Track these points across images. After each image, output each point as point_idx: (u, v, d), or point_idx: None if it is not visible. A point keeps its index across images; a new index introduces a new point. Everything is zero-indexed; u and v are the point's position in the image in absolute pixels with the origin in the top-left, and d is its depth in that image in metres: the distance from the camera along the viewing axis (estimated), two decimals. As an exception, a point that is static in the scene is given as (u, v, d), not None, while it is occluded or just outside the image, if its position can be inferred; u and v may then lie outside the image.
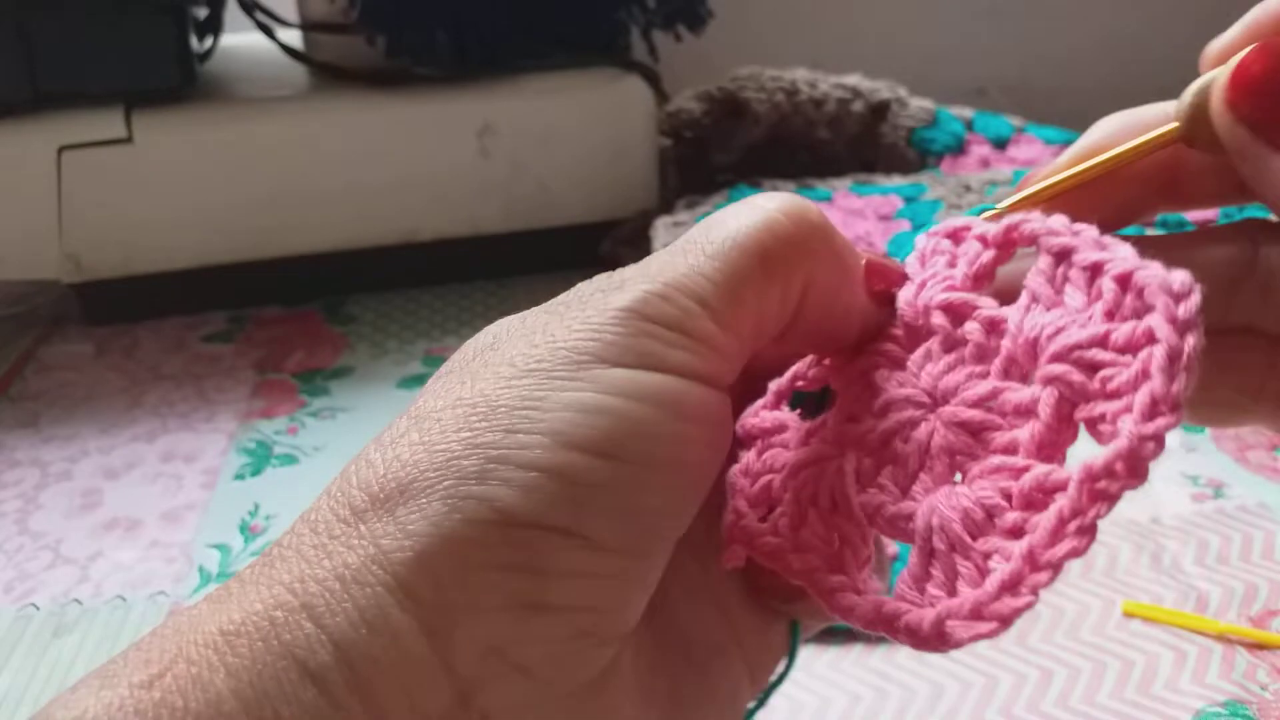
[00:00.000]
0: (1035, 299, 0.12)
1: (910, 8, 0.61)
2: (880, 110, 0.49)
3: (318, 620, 0.10)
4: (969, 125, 0.49)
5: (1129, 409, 0.10)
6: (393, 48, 0.43)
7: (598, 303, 0.12)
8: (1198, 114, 0.12)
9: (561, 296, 0.13)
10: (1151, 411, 0.10)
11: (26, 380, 0.41)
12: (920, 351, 0.12)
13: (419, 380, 0.41)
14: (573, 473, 0.10)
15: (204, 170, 0.43)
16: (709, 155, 0.49)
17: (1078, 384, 0.11)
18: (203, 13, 0.46)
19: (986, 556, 0.11)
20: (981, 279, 0.12)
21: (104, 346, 0.43)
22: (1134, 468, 0.10)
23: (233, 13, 0.47)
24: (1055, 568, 0.10)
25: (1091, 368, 0.11)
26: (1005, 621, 0.10)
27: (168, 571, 0.30)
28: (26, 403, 0.40)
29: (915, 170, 0.48)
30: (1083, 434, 0.11)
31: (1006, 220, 0.12)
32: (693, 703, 0.12)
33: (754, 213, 0.12)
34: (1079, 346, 0.11)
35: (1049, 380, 0.11)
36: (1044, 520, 0.10)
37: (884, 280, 0.13)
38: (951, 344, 0.12)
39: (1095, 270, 0.11)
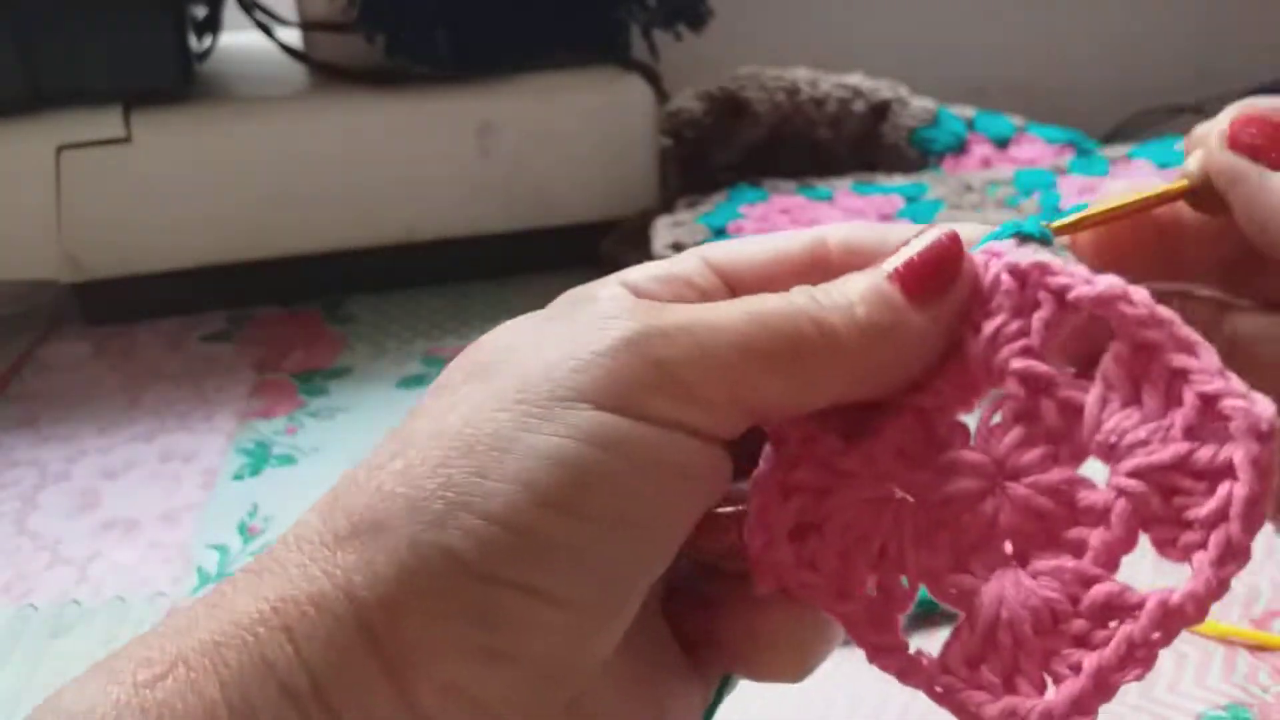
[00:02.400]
0: (1110, 389, 0.11)
1: (911, 7, 0.61)
2: (881, 110, 0.49)
3: (295, 644, 0.10)
4: (970, 125, 0.49)
5: (1204, 545, 0.10)
6: (392, 47, 0.43)
7: (597, 329, 0.11)
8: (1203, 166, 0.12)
9: (575, 294, 0.12)
10: (1226, 558, 0.10)
11: (25, 380, 0.41)
12: (988, 413, 0.12)
13: (418, 380, 0.40)
14: (533, 528, 0.10)
15: (203, 170, 0.43)
16: (709, 155, 0.49)
17: (1155, 506, 0.11)
18: (201, 12, 0.46)
19: (1048, 657, 0.11)
20: (1053, 343, 0.12)
21: (102, 346, 0.43)
22: (1203, 610, 0.10)
23: (232, 12, 0.47)
24: (1116, 689, 0.10)
25: (1170, 490, 0.11)
26: None
27: (166, 572, 0.30)
28: (25, 402, 0.40)
29: (916, 170, 0.48)
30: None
31: (1088, 289, 0.11)
32: (670, 711, 0.12)
33: (782, 301, 0.11)
34: (1159, 468, 0.11)
35: (1125, 493, 0.11)
36: (1115, 642, 0.11)
37: (937, 277, 0.12)
38: (1023, 415, 0.12)
39: (1179, 376, 0.11)
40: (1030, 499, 0.11)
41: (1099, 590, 0.11)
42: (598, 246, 0.48)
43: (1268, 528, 0.11)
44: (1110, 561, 0.11)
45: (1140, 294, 0.11)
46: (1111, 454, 0.11)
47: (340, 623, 0.10)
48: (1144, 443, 0.11)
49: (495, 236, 0.46)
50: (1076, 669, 0.11)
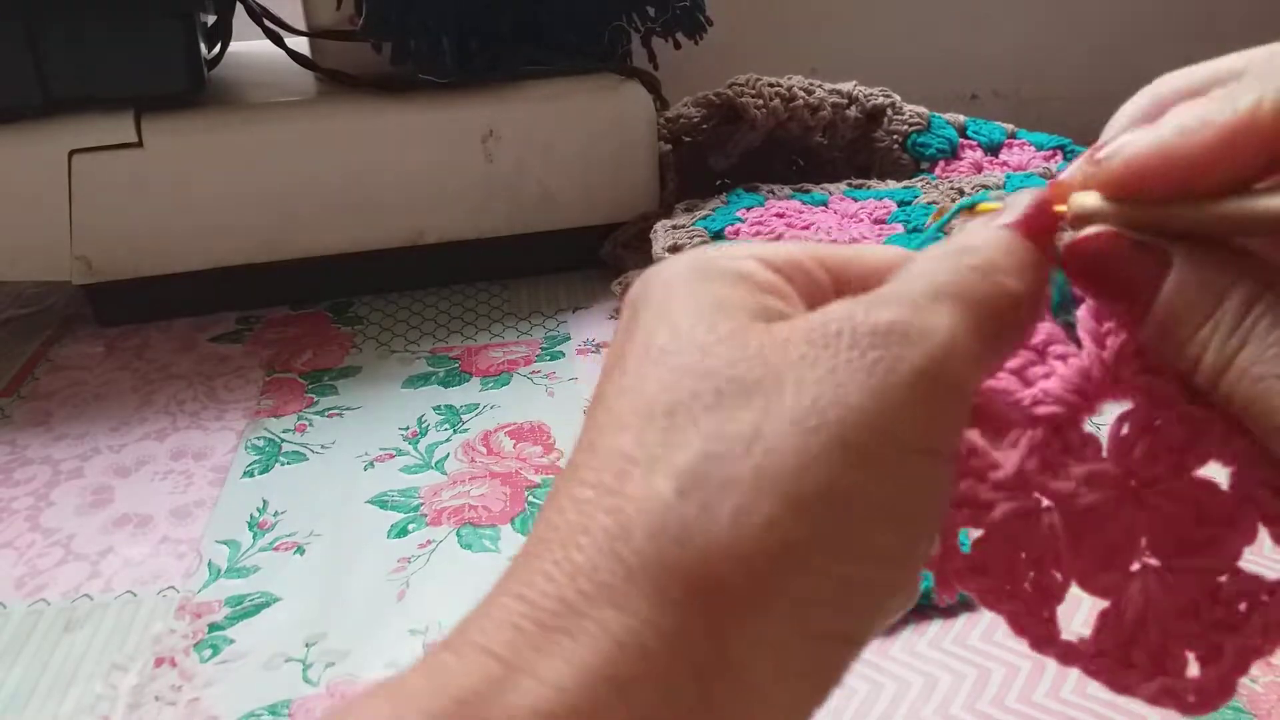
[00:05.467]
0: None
1: (905, 16, 0.62)
2: (875, 116, 0.50)
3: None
4: (962, 130, 0.50)
5: None
6: (397, 55, 0.43)
7: (887, 363, 0.11)
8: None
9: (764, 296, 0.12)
10: None
11: (38, 380, 0.42)
12: (1117, 426, 0.13)
13: (424, 379, 0.41)
14: (877, 586, 0.11)
15: (213, 174, 0.44)
16: (707, 160, 0.50)
17: (1274, 507, 0.12)
18: (212, 20, 0.47)
19: (1191, 641, 0.12)
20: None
21: (115, 347, 0.44)
22: None
23: (241, 20, 0.47)
24: (1250, 667, 0.12)
25: None
26: (1214, 707, 0.12)
27: (177, 567, 0.30)
28: (38, 402, 0.40)
29: (909, 175, 0.49)
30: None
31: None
32: None
33: (960, 271, 0.12)
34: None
35: (1248, 497, 0.12)
36: (1253, 623, 0.12)
37: (1043, 223, 0.12)
38: (1150, 428, 0.13)
39: None
40: (1163, 506, 0.13)
41: (1231, 581, 0.12)
42: (598, 249, 0.48)
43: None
44: (1236, 553, 0.12)
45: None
46: (1236, 458, 0.12)
47: (680, 693, 0.10)
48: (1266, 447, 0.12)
49: (499, 240, 0.47)
50: (1217, 651, 0.12)
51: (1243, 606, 0.12)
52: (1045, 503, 0.13)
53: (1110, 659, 0.12)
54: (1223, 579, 0.12)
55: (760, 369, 0.11)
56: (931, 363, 0.11)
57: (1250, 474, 0.12)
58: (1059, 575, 0.13)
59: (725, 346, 0.11)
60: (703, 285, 0.12)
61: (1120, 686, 0.12)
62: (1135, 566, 0.13)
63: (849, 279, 0.13)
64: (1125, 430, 0.13)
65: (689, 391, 0.11)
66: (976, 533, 0.13)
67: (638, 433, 0.11)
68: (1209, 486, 0.12)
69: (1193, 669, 0.12)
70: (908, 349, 0.11)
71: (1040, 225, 0.13)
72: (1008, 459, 0.13)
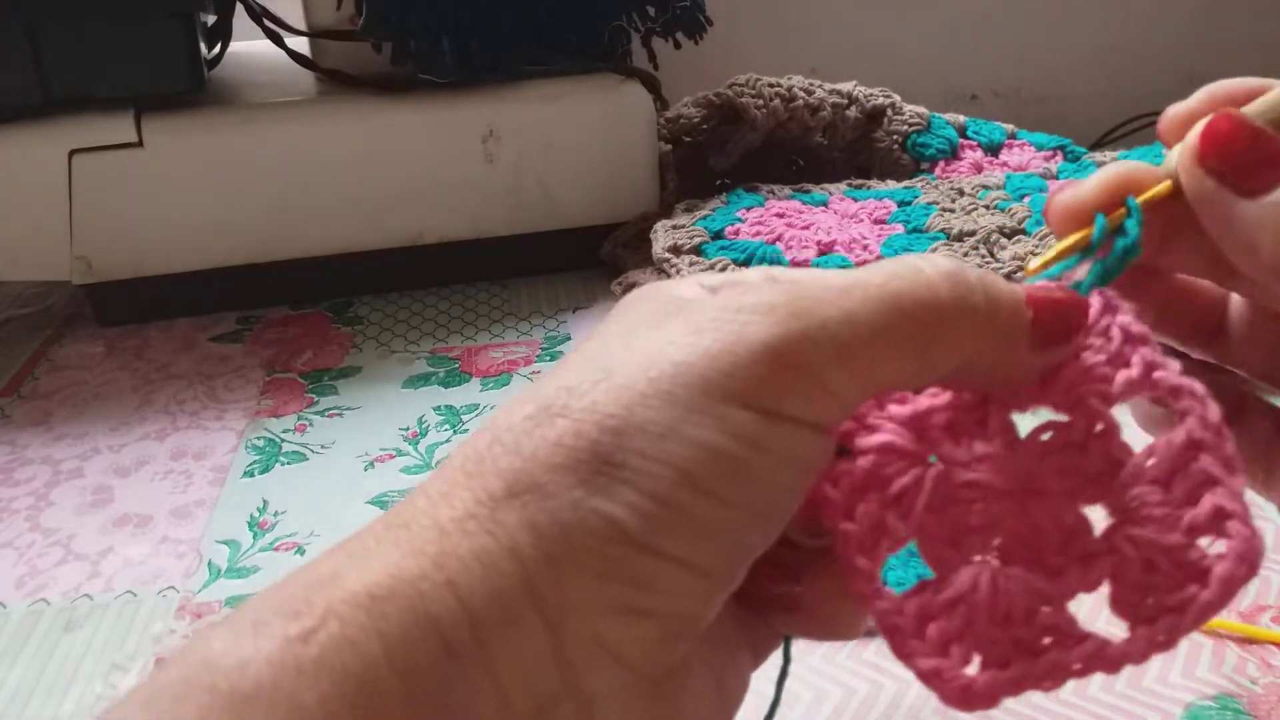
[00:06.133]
0: (1151, 458, 0.13)
1: (905, 16, 0.62)
2: (875, 116, 0.50)
3: (461, 599, 0.10)
4: (962, 131, 0.50)
5: (1152, 621, 0.12)
6: (397, 55, 0.43)
7: (736, 330, 0.11)
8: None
9: (695, 289, 0.12)
10: (1161, 643, 0.12)
11: (38, 379, 0.42)
12: (1041, 429, 0.13)
13: (424, 380, 0.41)
14: (691, 509, 0.11)
15: (213, 174, 0.44)
16: (707, 160, 0.50)
17: (1134, 573, 0.12)
18: (212, 20, 0.47)
19: (987, 645, 0.12)
20: (1123, 399, 0.13)
21: (115, 346, 0.44)
22: (1119, 668, 0.12)
23: (241, 20, 0.47)
24: (1016, 695, 0.12)
25: (1151, 567, 0.13)
26: (971, 709, 0.12)
27: (177, 567, 0.31)
28: (38, 401, 0.40)
29: (909, 175, 0.49)
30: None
31: (1173, 377, 0.13)
32: (727, 678, 0.13)
33: (918, 279, 0.12)
34: (1155, 547, 0.12)
35: (1117, 550, 0.13)
36: (1045, 660, 0.12)
37: (1062, 328, 0.13)
38: (1070, 447, 0.13)
39: (1210, 482, 0.12)
40: (1040, 520, 0.13)
41: (1056, 614, 0.12)
42: (599, 249, 0.48)
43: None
44: (1070, 593, 0.13)
45: (1213, 407, 0.13)
46: (1124, 514, 0.13)
47: (505, 578, 0.11)
48: (1155, 521, 0.12)
49: (499, 240, 0.47)
50: (1004, 665, 0.12)
51: (1046, 641, 0.12)
52: (930, 462, 0.13)
53: (908, 620, 0.12)
54: (1046, 609, 0.12)
55: (631, 326, 0.12)
56: (785, 339, 0.11)
57: (1123, 531, 0.12)
58: (903, 527, 0.13)
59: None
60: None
61: (902, 649, 0.12)
62: (976, 558, 0.13)
63: None
64: (1047, 437, 0.13)
65: (581, 364, 0.12)
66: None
67: (533, 393, 0.12)
68: (1084, 523, 0.13)
69: (972, 669, 0.12)
70: (764, 324, 0.12)
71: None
72: (918, 401, 0.13)
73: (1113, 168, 0.14)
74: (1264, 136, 0.13)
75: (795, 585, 0.13)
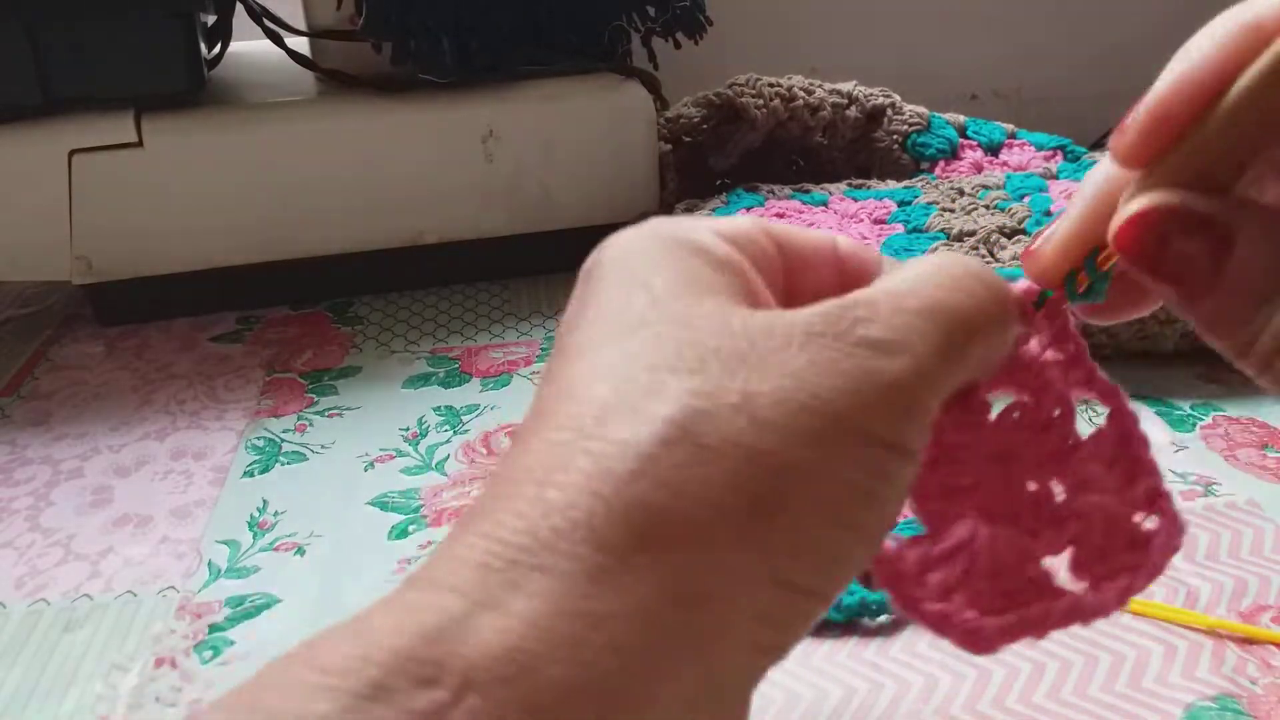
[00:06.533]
0: (1098, 450, 0.15)
1: (905, 16, 0.62)
2: (875, 116, 0.50)
3: (624, 664, 0.10)
4: (962, 130, 0.50)
5: (1112, 579, 0.14)
6: (397, 55, 0.43)
7: (861, 368, 0.12)
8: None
9: (800, 324, 0.12)
10: (1113, 601, 0.14)
11: (38, 379, 0.42)
12: (1011, 407, 0.15)
13: (424, 379, 0.41)
14: (833, 545, 0.11)
15: (213, 174, 0.44)
16: (707, 160, 0.50)
17: (1095, 536, 0.14)
18: (212, 20, 0.47)
19: (984, 596, 0.13)
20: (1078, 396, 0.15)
21: (114, 346, 0.44)
22: (1093, 619, 0.14)
23: (241, 20, 0.47)
24: (1017, 639, 0.13)
25: (1109, 532, 0.14)
26: (978, 650, 0.13)
27: (177, 567, 0.31)
28: (38, 401, 0.40)
29: (909, 175, 0.49)
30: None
31: (1105, 382, 0.15)
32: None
33: (972, 292, 0.13)
34: (1113, 516, 0.14)
35: (1081, 516, 0.14)
36: (1036, 608, 0.13)
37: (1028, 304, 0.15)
38: (1035, 425, 0.15)
39: (1140, 467, 0.14)
40: (1016, 482, 0.14)
41: (1036, 568, 0.14)
42: (599, 250, 0.48)
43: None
44: (1045, 553, 0.14)
45: (1132, 409, 0.15)
46: (1082, 485, 0.14)
47: (668, 635, 0.10)
48: (1110, 492, 0.14)
49: (499, 240, 0.47)
50: (1001, 611, 0.13)
51: (1028, 595, 0.13)
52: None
53: (910, 569, 0.13)
54: (1028, 564, 0.14)
55: (745, 347, 0.12)
56: (903, 377, 0.12)
57: (1084, 499, 0.14)
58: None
59: (707, 321, 0.12)
60: (671, 257, 0.13)
61: (906, 599, 0.13)
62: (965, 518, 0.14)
63: (791, 253, 0.14)
64: (1016, 416, 0.15)
65: (672, 354, 0.11)
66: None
67: (616, 385, 0.11)
68: (1050, 492, 0.14)
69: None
70: (886, 362, 0.12)
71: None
72: None
73: (1073, 218, 0.14)
74: (1182, 243, 0.12)
75: None
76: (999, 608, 0.13)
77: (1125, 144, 0.13)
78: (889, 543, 0.13)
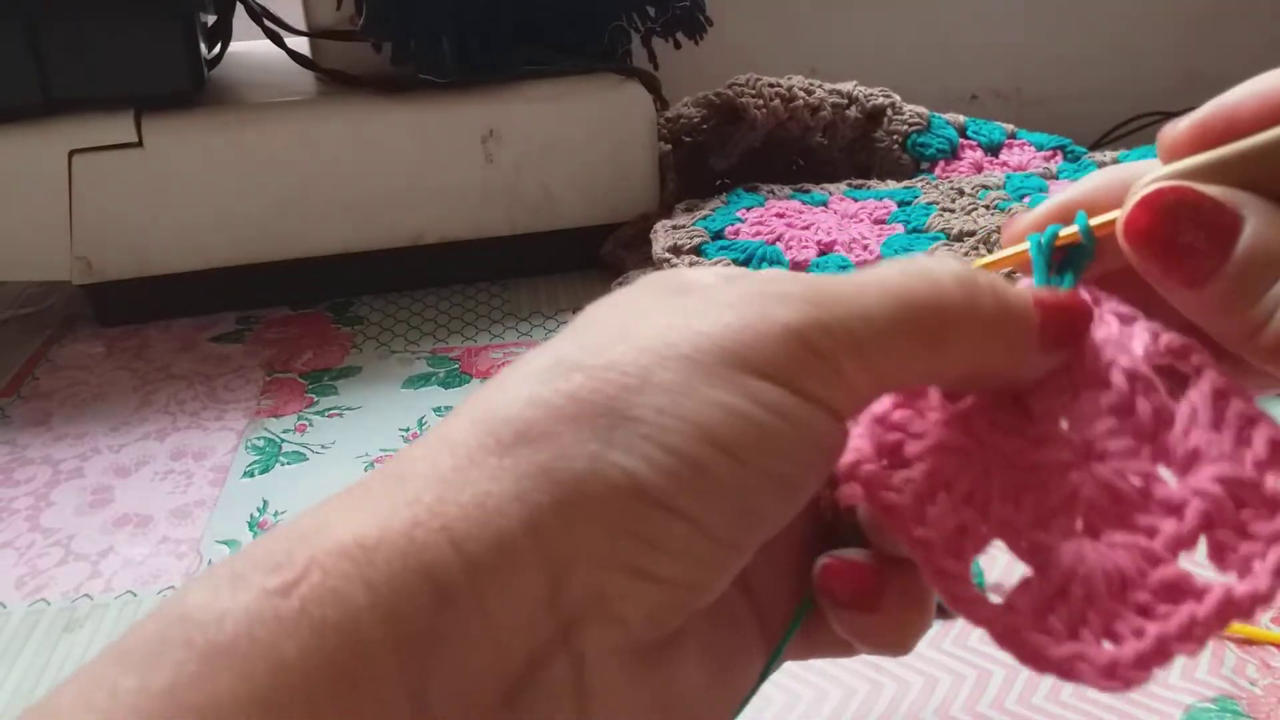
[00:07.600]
0: (1196, 416, 0.13)
1: (905, 16, 0.62)
2: (875, 116, 0.50)
3: (456, 544, 0.10)
4: (962, 130, 0.50)
5: (1263, 555, 0.12)
6: (397, 55, 0.43)
7: (758, 309, 0.12)
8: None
9: (710, 276, 0.13)
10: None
11: (38, 380, 0.42)
12: (1088, 399, 0.13)
13: (424, 380, 0.41)
14: (708, 465, 0.11)
15: (213, 174, 0.44)
16: (707, 160, 0.50)
17: (1227, 512, 0.12)
18: (212, 20, 0.47)
19: (1113, 619, 0.12)
20: (1151, 366, 0.13)
21: (115, 346, 0.44)
22: (1254, 608, 0.12)
23: (241, 20, 0.47)
24: (1170, 659, 0.11)
25: (1241, 502, 0.12)
26: (1126, 686, 0.11)
27: (178, 567, 0.31)
28: (38, 401, 0.40)
29: (909, 175, 0.49)
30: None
31: (1178, 340, 0.13)
32: (731, 664, 0.13)
33: (929, 280, 0.12)
34: (1238, 482, 0.12)
35: (1202, 494, 0.12)
36: (1178, 617, 0.12)
37: (1069, 328, 0.13)
38: (1118, 409, 0.13)
39: (1251, 421, 0.13)
40: (1113, 480, 0.13)
41: (1168, 570, 0.12)
42: (599, 249, 0.48)
43: None
44: (1174, 550, 0.12)
45: (1210, 362, 0.13)
46: (1190, 462, 0.12)
47: (508, 521, 0.10)
48: (1229, 458, 0.12)
49: (499, 240, 0.47)
50: (1139, 634, 0.12)
51: (1171, 605, 0.12)
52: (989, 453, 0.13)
53: (1023, 618, 0.12)
54: (1158, 569, 0.12)
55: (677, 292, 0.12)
56: (796, 321, 0.12)
57: (1215, 474, 0.12)
58: (984, 526, 0.13)
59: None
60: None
61: (1026, 649, 0.12)
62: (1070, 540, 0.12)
63: None
64: (1103, 406, 0.13)
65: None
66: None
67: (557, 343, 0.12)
68: (1159, 479, 0.13)
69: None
70: (781, 309, 0.12)
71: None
72: (957, 406, 0.13)
73: (1065, 195, 0.14)
74: (1189, 229, 0.12)
75: (872, 586, 0.13)
76: (1137, 629, 0.12)
77: (1178, 129, 0.13)
78: (994, 598, 0.12)
